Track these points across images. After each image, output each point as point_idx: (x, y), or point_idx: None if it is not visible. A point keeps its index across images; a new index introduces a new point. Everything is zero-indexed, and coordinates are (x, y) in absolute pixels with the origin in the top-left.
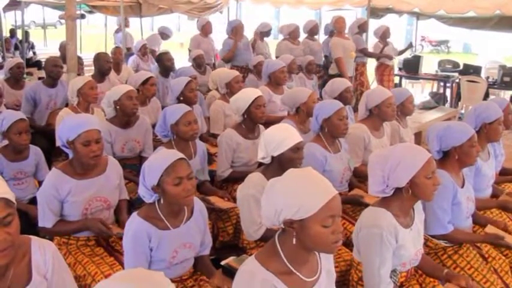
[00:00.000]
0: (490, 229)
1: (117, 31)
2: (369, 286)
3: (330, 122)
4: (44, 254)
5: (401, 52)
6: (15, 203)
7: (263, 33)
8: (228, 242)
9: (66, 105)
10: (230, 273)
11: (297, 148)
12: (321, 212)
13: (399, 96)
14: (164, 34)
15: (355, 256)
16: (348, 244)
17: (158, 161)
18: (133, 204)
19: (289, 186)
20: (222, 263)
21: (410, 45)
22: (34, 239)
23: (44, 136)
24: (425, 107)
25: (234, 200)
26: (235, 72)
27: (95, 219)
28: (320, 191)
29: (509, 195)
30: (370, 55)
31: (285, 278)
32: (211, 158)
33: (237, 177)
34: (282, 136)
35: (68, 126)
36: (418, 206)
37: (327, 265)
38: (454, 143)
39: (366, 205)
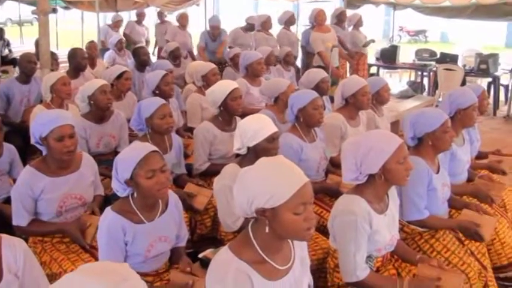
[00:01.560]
0: (465, 214)
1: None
2: (345, 272)
3: (305, 111)
4: (14, 251)
5: (364, 45)
6: None
7: (248, 26)
8: (206, 234)
9: (41, 102)
10: (208, 265)
11: (273, 138)
12: (293, 199)
13: (374, 85)
14: None
15: (331, 243)
16: (325, 232)
17: (130, 154)
18: (110, 200)
19: (261, 175)
20: (200, 255)
21: (372, 41)
22: (4, 237)
23: (18, 134)
24: (403, 96)
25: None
26: (212, 65)
27: (72, 226)
28: (291, 178)
29: (481, 178)
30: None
31: (259, 267)
32: (186, 151)
33: (215, 171)
34: (257, 126)
35: (41, 122)
36: (393, 191)
37: (300, 253)
38: (427, 129)
39: (338, 193)
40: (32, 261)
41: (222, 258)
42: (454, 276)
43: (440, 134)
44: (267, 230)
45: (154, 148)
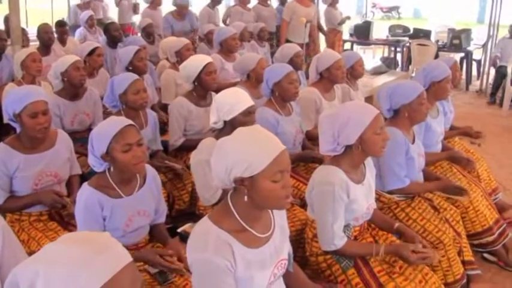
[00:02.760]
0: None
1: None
2: (323, 241)
3: (280, 85)
4: None
5: (340, 23)
6: None
7: (214, 1)
8: (184, 210)
9: (13, 80)
10: (187, 239)
11: (249, 112)
12: (270, 167)
13: (349, 59)
14: None
15: (309, 214)
16: (303, 205)
17: (106, 128)
18: (86, 178)
19: (238, 144)
20: (179, 230)
21: (347, 18)
22: None
23: None
24: (377, 71)
25: (188, 168)
26: (185, 40)
27: (47, 191)
28: (268, 146)
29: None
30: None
31: (239, 235)
32: (163, 127)
33: (190, 146)
34: (233, 100)
35: (14, 98)
36: (369, 161)
37: (280, 221)
38: (403, 100)
39: (318, 159)
40: (10, 237)
41: (202, 228)
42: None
43: (416, 105)
44: (245, 199)
45: (130, 122)
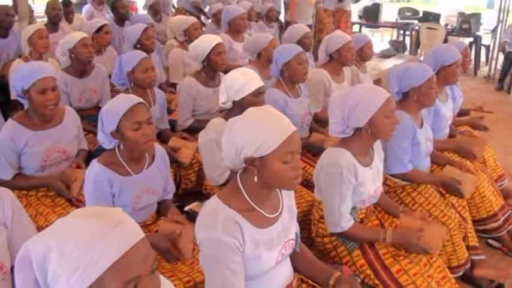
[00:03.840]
0: (448, 170)
1: None
2: (329, 223)
3: (290, 66)
4: (2, 202)
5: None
6: None
7: None
8: (191, 189)
9: (20, 56)
10: (194, 218)
11: (259, 93)
12: (281, 148)
13: (358, 42)
14: None
15: (316, 195)
16: (309, 186)
17: (116, 106)
18: (93, 155)
19: (249, 124)
20: (186, 208)
21: None
22: None
23: None
24: (385, 55)
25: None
26: (193, 19)
27: (55, 179)
28: (279, 127)
29: (462, 134)
30: None
31: (247, 215)
32: (170, 107)
33: (199, 127)
34: (243, 80)
35: (22, 74)
36: (378, 145)
37: (288, 202)
38: (413, 83)
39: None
40: (19, 211)
41: (212, 207)
42: (436, 228)
43: (425, 89)
44: (255, 179)
45: (141, 100)
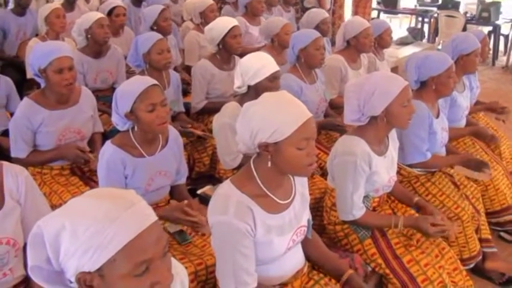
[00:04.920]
0: (459, 169)
1: None
2: (342, 211)
3: (307, 52)
4: (16, 179)
5: None
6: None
7: None
8: (204, 172)
9: (36, 35)
10: (206, 201)
11: (274, 77)
12: (296, 134)
13: (377, 28)
14: None
15: (329, 183)
16: (322, 174)
17: (131, 87)
18: (108, 136)
19: (265, 109)
20: (199, 191)
21: None
22: (6, 164)
23: (14, 68)
24: (403, 42)
25: (210, 132)
26: (210, 1)
27: (70, 146)
28: (295, 113)
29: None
30: None
31: (260, 200)
32: (186, 89)
33: (212, 109)
34: (259, 65)
35: (39, 53)
36: (393, 134)
37: (300, 188)
38: (431, 72)
39: (341, 127)
40: (33, 189)
41: (224, 191)
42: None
43: (444, 78)
44: (269, 164)
45: (155, 82)
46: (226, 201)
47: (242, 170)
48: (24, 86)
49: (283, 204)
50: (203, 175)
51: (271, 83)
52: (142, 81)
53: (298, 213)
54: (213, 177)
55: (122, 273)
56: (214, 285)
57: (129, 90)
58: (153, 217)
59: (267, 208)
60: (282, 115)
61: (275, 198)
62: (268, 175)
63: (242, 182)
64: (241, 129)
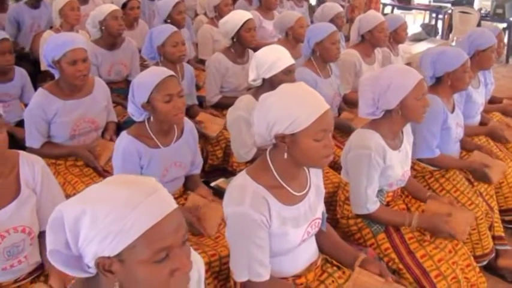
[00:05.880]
0: (477, 154)
1: None
2: (355, 205)
3: (322, 45)
4: (32, 168)
5: None
6: (1, 114)
7: None
8: (217, 165)
9: (51, 28)
10: (220, 194)
11: (289, 71)
12: (314, 125)
13: (392, 23)
14: None
15: (343, 177)
16: (336, 168)
17: (148, 78)
18: (121, 127)
19: (282, 101)
20: (212, 184)
21: None
22: (22, 153)
23: (28, 60)
24: (416, 38)
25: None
26: None
27: (83, 148)
28: (313, 105)
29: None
30: None
31: (275, 192)
32: (198, 83)
33: (226, 104)
34: (274, 58)
35: (54, 45)
36: (407, 128)
37: (316, 181)
38: (447, 68)
39: (352, 131)
40: (49, 178)
41: (240, 182)
42: (464, 213)
43: (460, 73)
44: (285, 156)
45: (172, 73)
46: (242, 192)
47: (258, 161)
48: (37, 78)
49: (299, 196)
50: (216, 168)
51: (286, 76)
52: (159, 72)
53: (313, 206)
54: (226, 170)
55: (141, 259)
56: (227, 276)
57: (147, 80)
58: (173, 205)
59: (282, 200)
60: (300, 106)
61: (290, 190)
62: (284, 167)
63: (258, 173)
64: (258, 120)
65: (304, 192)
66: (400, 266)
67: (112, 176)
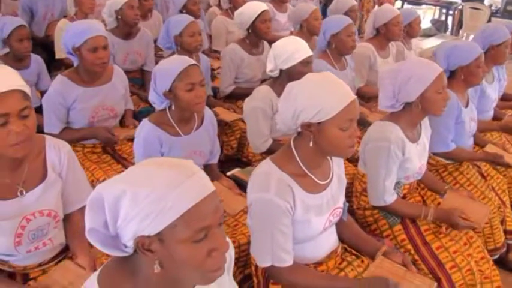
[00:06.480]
0: (490, 148)
1: None
2: (373, 196)
3: (338, 38)
4: (59, 152)
5: None
6: (31, 96)
7: None
8: (231, 155)
9: (64, 16)
10: (235, 183)
11: (307, 62)
12: (340, 115)
13: (407, 17)
14: None
15: (359, 168)
16: (351, 160)
17: (171, 66)
18: (137, 117)
19: (309, 89)
20: (228, 174)
21: None
22: (48, 137)
23: (42, 49)
24: (426, 34)
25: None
26: None
27: (102, 128)
28: (340, 94)
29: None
30: None
31: (300, 180)
32: (213, 73)
33: (240, 94)
34: (292, 49)
35: (74, 32)
36: (425, 121)
37: (338, 170)
38: (461, 62)
39: (370, 124)
40: (74, 163)
41: (265, 169)
42: (480, 207)
43: (473, 68)
44: (310, 144)
45: (194, 62)
46: (267, 179)
47: (282, 149)
48: (52, 66)
49: (322, 184)
50: (230, 158)
51: (304, 68)
52: (182, 61)
53: (335, 195)
54: (240, 161)
55: (181, 238)
56: (245, 263)
57: (169, 68)
58: (212, 187)
59: (306, 188)
60: (327, 95)
61: (314, 178)
62: (308, 155)
63: (282, 161)
64: (284, 108)
65: (327, 181)
66: (416, 257)
67: (149, 159)
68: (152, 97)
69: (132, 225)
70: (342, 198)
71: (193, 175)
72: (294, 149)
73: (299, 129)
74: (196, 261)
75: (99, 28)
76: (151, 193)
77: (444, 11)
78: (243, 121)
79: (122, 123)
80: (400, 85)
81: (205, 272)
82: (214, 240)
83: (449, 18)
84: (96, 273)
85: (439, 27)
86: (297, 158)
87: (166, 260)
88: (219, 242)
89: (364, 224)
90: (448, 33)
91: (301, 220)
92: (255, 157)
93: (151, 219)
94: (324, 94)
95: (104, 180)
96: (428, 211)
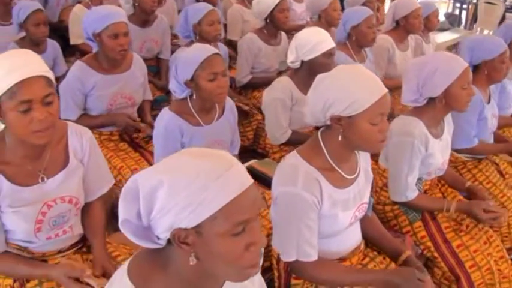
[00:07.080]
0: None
1: None
2: (394, 192)
3: (358, 29)
4: (80, 139)
5: None
6: (55, 83)
7: None
8: (247, 147)
9: (79, 2)
10: (252, 175)
11: (330, 54)
12: (372, 108)
13: (425, 9)
14: None
15: (381, 163)
16: (371, 155)
17: (193, 55)
18: (152, 105)
19: (341, 81)
20: (245, 165)
21: None
22: (70, 124)
23: (56, 34)
24: (439, 28)
25: (254, 106)
26: None
27: (121, 114)
28: (372, 87)
29: None
30: None
31: (327, 174)
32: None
33: (256, 84)
34: (316, 40)
35: (95, 17)
36: (448, 117)
37: (365, 165)
38: (485, 56)
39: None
40: (96, 150)
41: (292, 162)
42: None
43: (497, 63)
44: (339, 138)
45: (217, 51)
46: (295, 172)
47: (309, 142)
48: (66, 52)
49: (349, 179)
50: (246, 149)
51: (326, 59)
52: (204, 49)
53: (362, 190)
54: (256, 152)
55: (219, 231)
56: (265, 256)
57: (192, 57)
58: (250, 179)
59: (333, 182)
60: (359, 88)
61: (342, 173)
62: (336, 149)
63: (309, 154)
64: (314, 100)
65: (354, 175)
66: (436, 254)
67: (189, 149)
68: (173, 85)
69: (169, 217)
70: (368, 194)
71: (232, 167)
72: (321, 142)
73: (328, 122)
74: (234, 255)
75: (122, 14)
76: (190, 184)
77: (458, 5)
78: (260, 112)
79: (140, 116)
80: (425, 78)
81: (242, 269)
82: (252, 235)
83: (463, 13)
84: (126, 264)
85: (452, 21)
86: (325, 151)
87: (202, 254)
88: (257, 236)
89: (383, 220)
90: (462, 27)
91: (328, 215)
92: (272, 148)
93: (189, 211)
94: (356, 87)
95: (120, 168)
96: (451, 204)
